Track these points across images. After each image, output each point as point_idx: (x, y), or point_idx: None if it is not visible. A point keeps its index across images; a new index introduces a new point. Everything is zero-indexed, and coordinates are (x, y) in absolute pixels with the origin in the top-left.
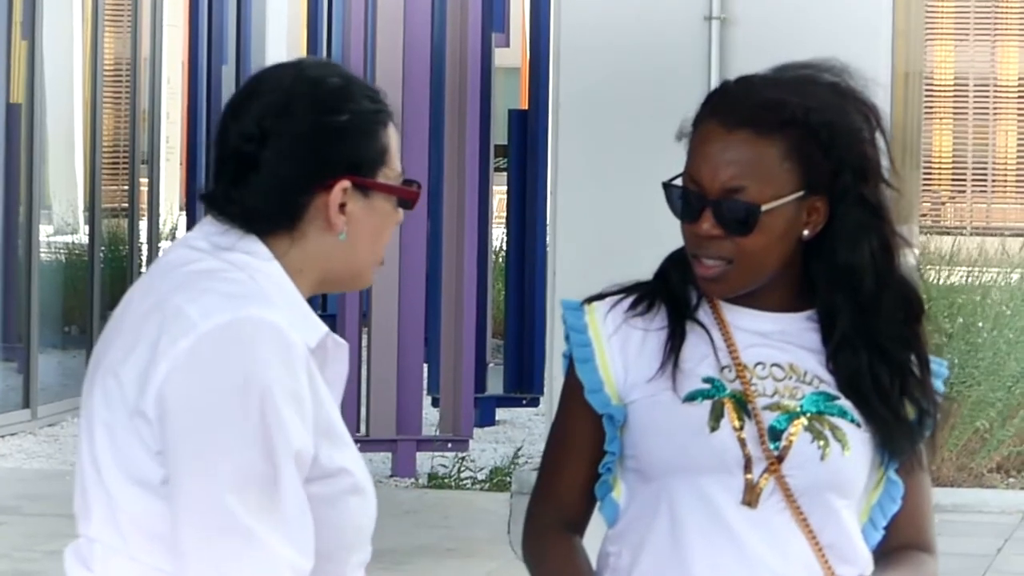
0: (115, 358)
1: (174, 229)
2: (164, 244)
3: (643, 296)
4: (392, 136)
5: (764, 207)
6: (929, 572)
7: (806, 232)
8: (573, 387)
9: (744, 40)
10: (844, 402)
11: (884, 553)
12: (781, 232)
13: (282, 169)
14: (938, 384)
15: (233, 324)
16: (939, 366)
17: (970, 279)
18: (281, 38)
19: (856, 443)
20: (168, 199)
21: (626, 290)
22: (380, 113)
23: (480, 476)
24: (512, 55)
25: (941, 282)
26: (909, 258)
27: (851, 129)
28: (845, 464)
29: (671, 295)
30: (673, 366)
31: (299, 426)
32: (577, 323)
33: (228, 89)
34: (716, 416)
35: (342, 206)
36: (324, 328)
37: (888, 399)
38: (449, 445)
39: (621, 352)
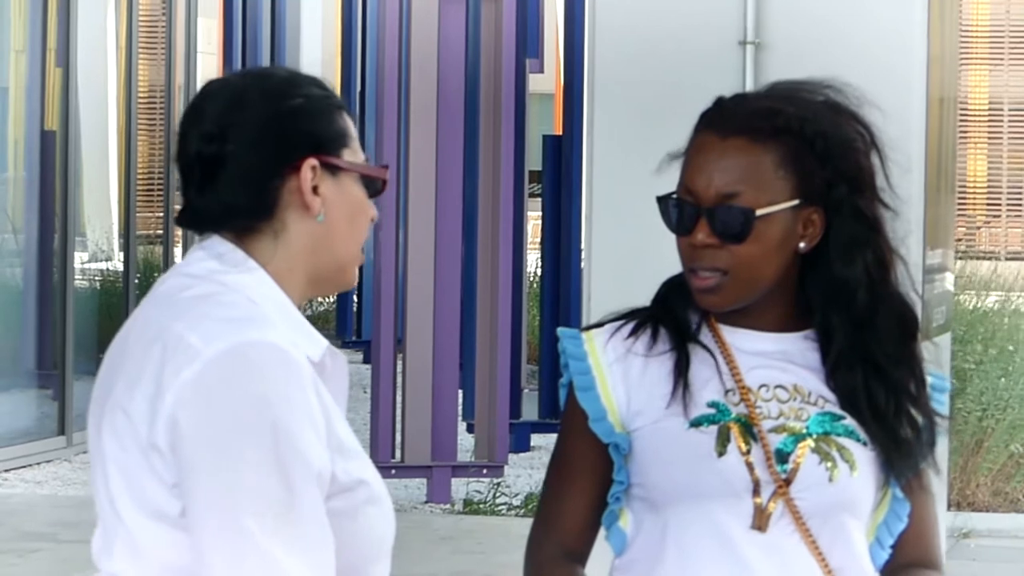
0: (120, 393)
1: None
2: None
3: (642, 322)
4: (349, 123)
5: (759, 212)
6: None
7: (802, 244)
8: (573, 416)
9: (778, 65)
10: (850, 421)
11: (891, 572)
12: (777, 242)
13: (247, 157)
14: (941, 398)
15: (236, 349)
16: (940, 380)
17: (1005, 304)
18: (315, 68)
19: (863, 463)
20: None
21: (624, 317)
22: (331, 98)
23: (515, 502)
24: (545, 81)
25: (976, 307)
26: (947, 283)
27: (845, 140)
28: (853, 485)
29: (672, 319)
30: (684, 391)
31: (316, 446)
32: (577, 351)
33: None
34: (723, 441)
35: (315, 189)
36: (324, 342)
37: (884, 418)
38: (484, 471)
39: (623, 380)
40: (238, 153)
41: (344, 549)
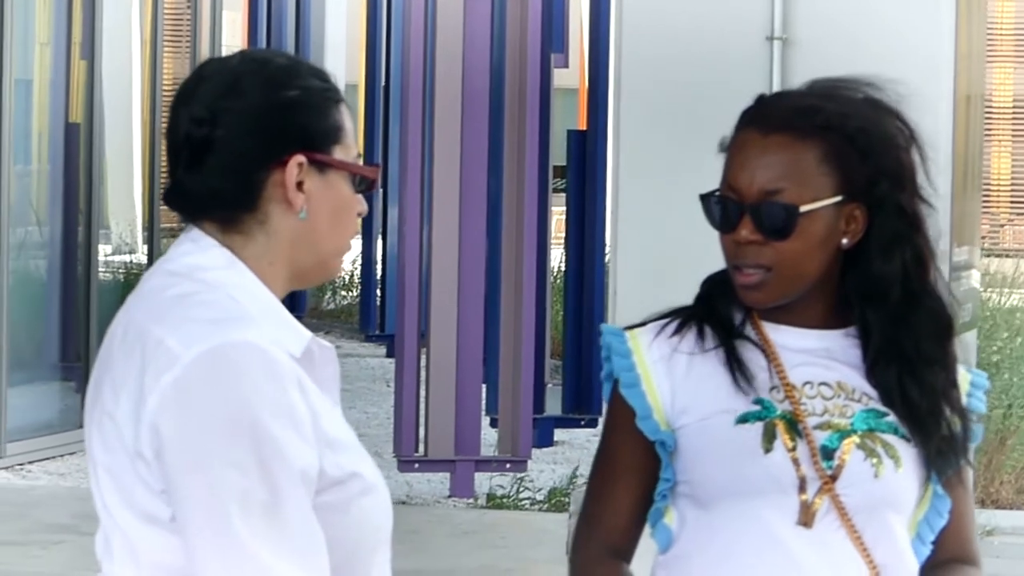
0: (107, 397)
1: None
2: None
3: (686, 320)
4: (345, 116)
5: (802, 208)
6: None
7: (845, 241)
8: (618, 413)
9: (805, 61)
10: (894, 418)
11: (931, 567)
12: (820, 238)
13: (235, 146)
14: (979, 395)
15: (215, 352)
16: (980, 378)
17: None
18: (340, 62)
19: (908, 459)
20: None
21: (667, 316)
22: (329, 91)
23: (539, 497)
24: (569, 76)
25: (1000, 304)
26: (973, 280)
27: (886, 136)
28: (898, 480)
29: (716, 317)
30: (736, 387)
31: (299, 444)
32: (621, 348)
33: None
34: (769, 437)
35: (300, 184)
36: (308, 334)
37: (918, 415)
38: (507, 465)
39: (668, 377)
40: (227, 140)
41: (342, 542)
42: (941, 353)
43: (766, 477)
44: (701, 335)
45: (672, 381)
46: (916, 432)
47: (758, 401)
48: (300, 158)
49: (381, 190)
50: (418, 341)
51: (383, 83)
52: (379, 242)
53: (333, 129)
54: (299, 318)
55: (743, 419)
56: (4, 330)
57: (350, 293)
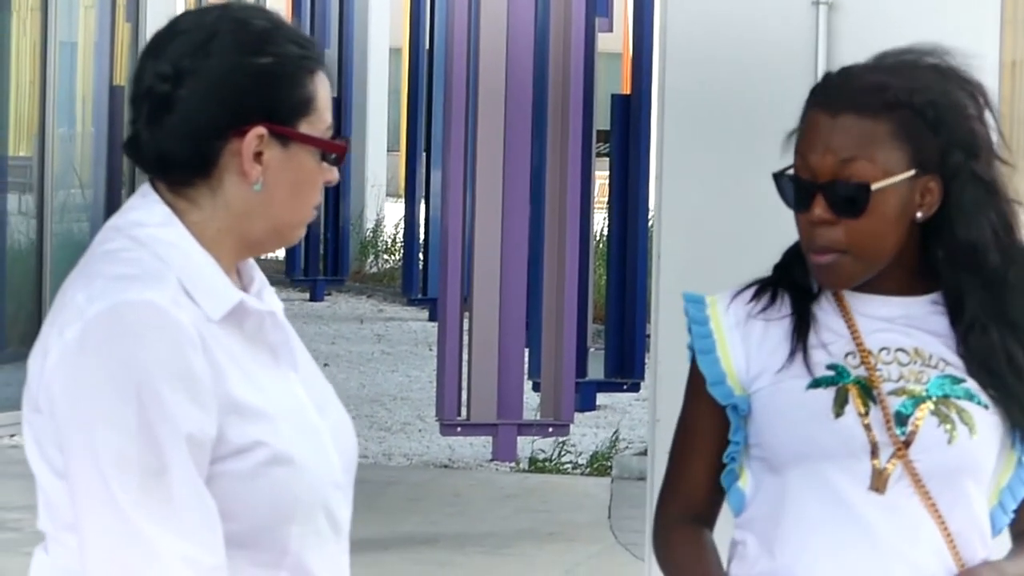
0: (32, 353)
1: None
2: None
3: (763, 287)
4: (320, 86)
5: (874, 186)
6: None
7: (920, 215)
8: (695, 380)
9: (851, 26)
10: (970, 384)
11: (1012, 537)
12: (894, 215)
13: (196, 110)
14: None
15: (113, 309)
16: None
17: None
18: (384, 26)
19: (984, 426)
20: None
21: (747, 284)
22: (306, 60)
23: (580, 461)
24: (613, 40)
25: None
26: None
27: (956, 106)
28: (973, 447)
29: (793, 283)
30: (802, 353)
31: (189, 408)
32: (699, 315)
33: (330, 74)
34: (840, 402)
35: (259, 155)
36: (236, 296)
37: (1022, 376)
38: (550, 429)
39: (743, 342)
40: (187, 102)
41: (249, 511)
42: None
43: (835, 441)
44: (779, 302)
45: (747, 346)
46: (1018, 395)
47: (832, 366)
48: (261, 130)
49: (424, 154)
50: (461, 305)
51: (427, 47)
52: (422, 206)
53: (302, 101)
54: (341, 281)
55: (815, 384)
56: (47, 292)
57: (393, 257)
